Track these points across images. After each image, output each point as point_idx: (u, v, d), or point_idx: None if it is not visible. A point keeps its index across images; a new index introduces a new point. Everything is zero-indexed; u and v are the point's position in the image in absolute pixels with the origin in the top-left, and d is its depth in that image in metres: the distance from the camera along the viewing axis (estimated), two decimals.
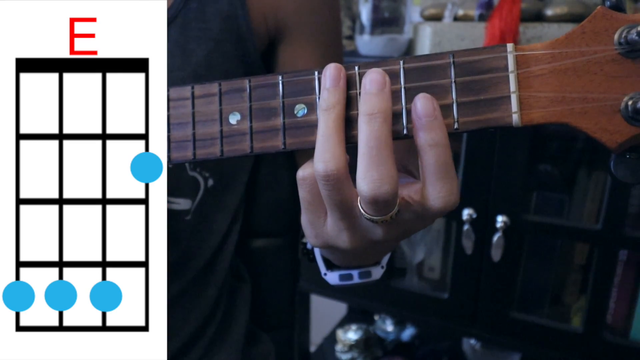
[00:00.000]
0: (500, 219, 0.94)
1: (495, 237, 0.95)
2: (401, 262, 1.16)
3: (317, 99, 0.34)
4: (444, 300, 1.04)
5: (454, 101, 0.32)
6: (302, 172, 0.34)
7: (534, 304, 1.04)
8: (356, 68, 0.34)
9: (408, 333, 1.39)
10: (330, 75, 0.33)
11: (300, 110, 0.34)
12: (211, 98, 0.36)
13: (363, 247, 0.35)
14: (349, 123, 0.33)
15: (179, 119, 0.37)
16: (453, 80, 0.32)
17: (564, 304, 1.04)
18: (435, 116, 0.31)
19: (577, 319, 1.00)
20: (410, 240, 1.13)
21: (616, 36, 0.30)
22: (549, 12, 0.92)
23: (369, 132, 0.31)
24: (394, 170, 0.31)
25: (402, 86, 0.33)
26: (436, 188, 0.31)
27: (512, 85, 0.31)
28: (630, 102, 0.29)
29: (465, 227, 0.96)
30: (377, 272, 0.40)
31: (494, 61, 0.32)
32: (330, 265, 0.42)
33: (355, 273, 0.40)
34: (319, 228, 0.35)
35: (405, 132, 0.32)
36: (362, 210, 0.32)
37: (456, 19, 0.99)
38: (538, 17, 0.93)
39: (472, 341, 1.26)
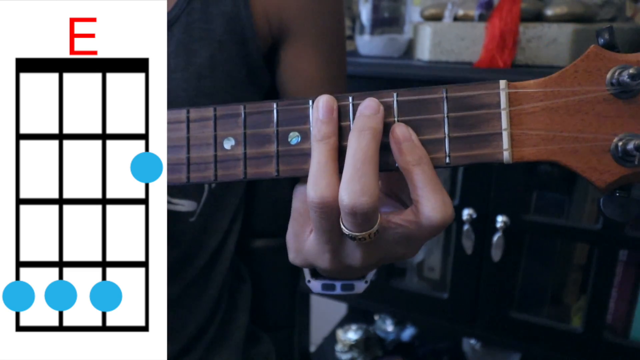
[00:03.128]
0: (500, 219, 0.94)
1: (495, 237, 0.95)
2: (401, 262, 1.16)
3: (311, 128, 0.34)
4: (444, 300, 1.04)
5: (446, 136, 0.32)
6: (301, 187, 0.35)
7: (534, 304, 1.04)
8: (350, 98, 0.34)
9: (408, 333, 1.39)
10: (322, 106, 0.34)
11: (294, 138, 0.35)
12: (206, 122, 0.36)
13: (341, 271, 0.37)
14: (342, 154, 0.33)
15: (173, 142, 0.37)
16: (446, 115, 0.32)
17: (564, 304, 1.04)
18: (412, 139, 0.32)
19: (577, 319, 1.00)
20: None
21: (608, 76, 0.30)
22: (549, 12, 0.92)
23: (357, 145, 0.32)
24: (375, 185, 0.31)
25: (396, 119, 0.33)
26: (430, 201, 0.32)
27: (504, 123, 0.31)
28: (620, 143, 0.30)
29: (465, 227, 0.96)
30: (360, 286, 0.41)
31: (486, 97, 0.32)
32: (314, 273, 0.42)
33: (338, 284, 0.41)
34: (302, 243, 0.37)
35: (396, 164, 0.33)
36: (342, 225, 0.33)
37: (456, 19, 0.99)
38: (538, 17, 0.93)
39: (472, 341, 1.26)
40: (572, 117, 0.30)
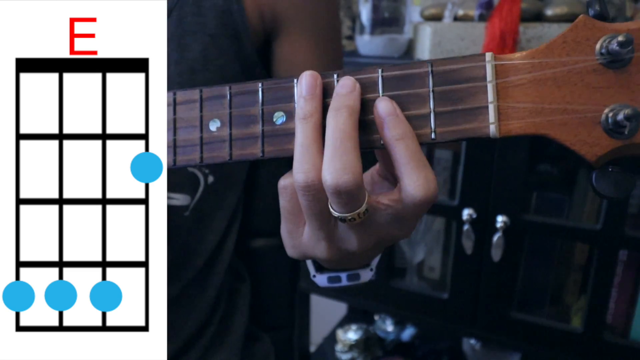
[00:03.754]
0: (500, 219, 0.94)
1: (495, 237, 0.95)
2: (401, 262, 1.16)
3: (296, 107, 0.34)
4: (444, 300, 1.04)
5: (432, 111, 0.32)
6: (284, 182, 0.34)
7: (534, 304, 1.04)
8: (334, 76, 0.33)
9: (408, 333, 1.39)
10: (306, 83, 0.33)
11: (279, 118, 0.34)
12: (193, 104, 0.36)
13: (340, 258, 0.36)
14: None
15: None
16: (431, 89, 0.32)
17: (564, 304, 1.04)
18: (397, 114, 0.31)
19: (577, 319, 1.00)
20: (410, 240, 1.13)
21: (598, 46, 0.29)
22: (549, 12, 0.92)
23: (335, 124, 0.31)
24: (357, 162, 0.31)
25: (380, 95, 0.32)
26: (412, 178, 0.31)
27: (490, 96, 0.30)
28: (610, 114, 0.29)
29: (465, 227, 0.96)
30: (366, 275, 0.41)
31: (472, 70, 0.31)
32: (319, 267, 0.42)
33: (343, 276, 0.40)
34: (297, 238, 0.36)
35: (381, 142, 0.32)
36: (331, 207, 0.32)
37: (456, 19, 0.99)
38: (538, 17, 0.93)
39: (472, 341, 1.26)
40: (560, 88, 0.30)
